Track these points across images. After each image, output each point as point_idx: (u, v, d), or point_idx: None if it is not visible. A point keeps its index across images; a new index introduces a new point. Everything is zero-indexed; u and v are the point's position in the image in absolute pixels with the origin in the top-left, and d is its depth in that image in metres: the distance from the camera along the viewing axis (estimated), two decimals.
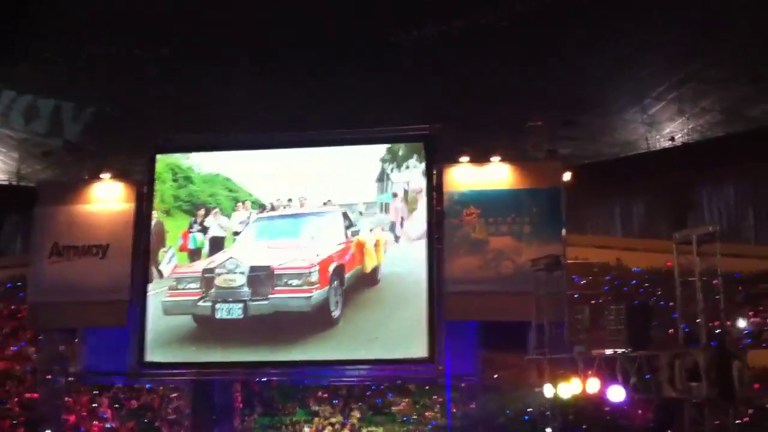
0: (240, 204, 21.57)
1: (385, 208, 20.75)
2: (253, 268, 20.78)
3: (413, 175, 20.34)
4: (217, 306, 20.74)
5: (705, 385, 11.46)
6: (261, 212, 21.78)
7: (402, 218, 20.41)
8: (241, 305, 20.68)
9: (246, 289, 20.62)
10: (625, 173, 26.81)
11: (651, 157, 26.07)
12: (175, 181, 21.71)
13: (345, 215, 21.03)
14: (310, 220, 21.47)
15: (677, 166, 25.51)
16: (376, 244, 20.66)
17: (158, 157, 21.51)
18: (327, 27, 21.51)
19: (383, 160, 20.79)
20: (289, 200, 21.64)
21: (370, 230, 20.68)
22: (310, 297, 20.23)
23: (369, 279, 20.42)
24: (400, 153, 20.78)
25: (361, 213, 20.90)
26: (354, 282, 20.51)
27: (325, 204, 21.33)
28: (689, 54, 21.13)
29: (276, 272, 20.50)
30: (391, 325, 19.86)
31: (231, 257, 21.45)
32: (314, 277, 20.06)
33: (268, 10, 20.85)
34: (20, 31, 22.21)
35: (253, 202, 21.49)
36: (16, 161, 30.34)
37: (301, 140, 20.75)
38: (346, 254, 20.77)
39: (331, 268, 20.40)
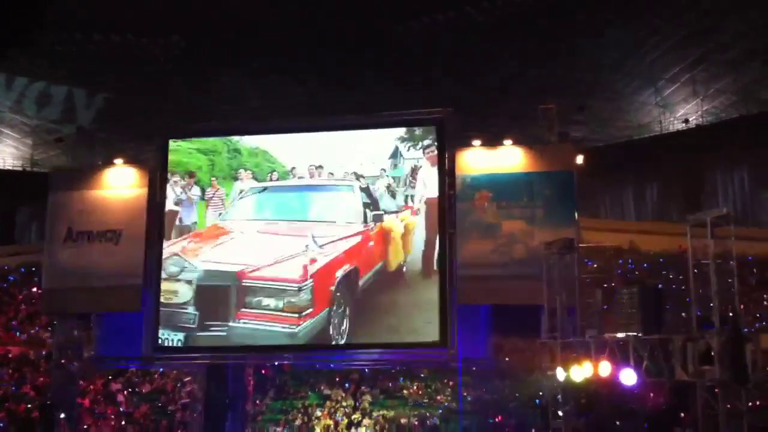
0: (242, 171, 19.08)
1: (405, 181, 18.14)
2: (208, 275, 16.98)
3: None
4: (160, 330, 17.85)
5: (718, 368, 11.39)
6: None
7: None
8: (180, 336, 17.33)
9: (191, 310, 17.24)
10: (638, 156, 26.68)
11: (664, 140, 25.95)
12: (228, 153, 19.63)
13: (366, 191, 17.58)
14: (320, 195, 17.93)
15: (691, 149, 25.36)
16: (405, 232, 17.79)
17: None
18: (338, 19, 21.49)
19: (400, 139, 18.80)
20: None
21: (397, 213, 17.94)
22: (296, 331, 16.33)
23: (392, 278, 17.56)
24: (417, 132, 18.85)
25: (389, 187, 17.81)
26: (372, 284, 17.18)
27: (331, 175, 17.90)
28: (701, 35, 21.00)
29: (245, 283, 16.67)
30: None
31: (175, 254, 17.42)
32: (305, 297, 16.26)
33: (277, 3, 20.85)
34: (34, 20, 22.28)
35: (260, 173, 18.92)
36: (30, 148, 30.62)
37: (313, 125, 20.31)
38: (362, 249, 17.11)
39: (337, 277, 16.54)
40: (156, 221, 19.99)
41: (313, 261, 16.62)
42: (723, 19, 21.30)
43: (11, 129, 29.88)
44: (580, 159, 19.07)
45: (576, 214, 18.27)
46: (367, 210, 17.80)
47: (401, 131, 18.94)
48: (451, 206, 18.69)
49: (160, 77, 24.94)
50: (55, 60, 24.62)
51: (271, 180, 18.89)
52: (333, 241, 17.06)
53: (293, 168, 18.76)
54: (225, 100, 25.08)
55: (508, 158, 18.84)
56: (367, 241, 17.34)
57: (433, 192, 18.56)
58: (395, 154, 18.96)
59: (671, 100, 24.46)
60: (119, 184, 20.38)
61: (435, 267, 18.01)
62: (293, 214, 18.32)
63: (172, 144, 20.27)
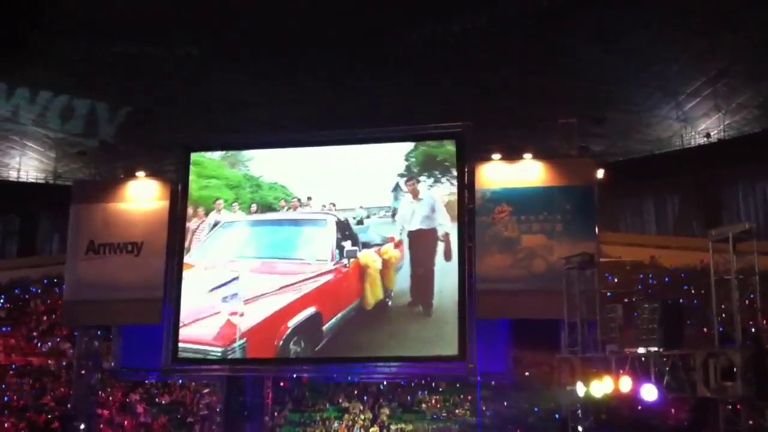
0: (220, 201, 19.45)
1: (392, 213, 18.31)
2: None
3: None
4: None
5: (740, 384, 11.26)
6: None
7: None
8: None
9: None
10: (658, 170, 26.54)
11: (685, 154, 25.78)
12: (250, 188, 19.54)
13: (345, 224, 17.18)
14: (291, 230, 17.49)
15: (712, 163, 25.21)
16: (385, 266, 17.57)
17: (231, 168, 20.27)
18: (348, 27, 21.56)
19: (401, 175, 18.84)
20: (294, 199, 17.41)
21: (377, 247, 17.72)
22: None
23: (371, 315, 17.33)
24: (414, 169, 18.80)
25: (368, 216, 17.61)
26: (343, 325, 16.69)
27: (323, 207, 17.55)
28: (721, 48, 20.84)
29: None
30: None
31: None
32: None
33: (286, 11, 20.98)
34: (54, 33, 22.59)
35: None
36: (53, 161, 30.95)
37: (331, 138, 20.28)
38: (330, 289, 16.42)
39: (290, 327, 15.71)
40: (177, 234, 20.14)
41: (240, 315, 15.80)
42: (744, 29, 21.08)
43: (35, 142, 30.21)
44: (600, 173, 18.99)
45: (596, 229, 18.18)
46: (345, 244, 17.41)
47: (401, 167, 18.96)
48: (470, 220, 18.71)
49: (174, 84, 25.09)
50: (69, 68, 24.84)
51: (251, 213, 18.94)
52: (291, 284, 16.49)
53: (280, 199, 18.74)
54: (236, 107, 25.16)
55: (528, 172, 18.78)
56: (338, 279, 16.85)
57: (415, 224, 18.48)
58: (396, 188, 18.90)
59: (692, 115, 24.31)
60: (141, 197, 20.53)
61: (433, 301, 17.78)
62: (260, 252, 18.05)
63: (202, 182, 20.33)
